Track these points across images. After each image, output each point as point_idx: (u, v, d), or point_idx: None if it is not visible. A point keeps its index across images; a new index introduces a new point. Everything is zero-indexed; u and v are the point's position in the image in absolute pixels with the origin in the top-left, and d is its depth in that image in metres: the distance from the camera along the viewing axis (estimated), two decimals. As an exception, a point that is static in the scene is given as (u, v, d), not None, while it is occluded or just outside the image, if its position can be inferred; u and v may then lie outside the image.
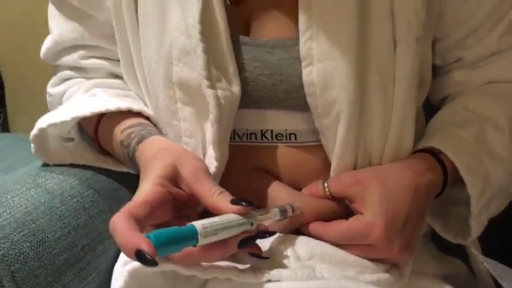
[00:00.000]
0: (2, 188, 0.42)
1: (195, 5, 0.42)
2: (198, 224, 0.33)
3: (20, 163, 1.10)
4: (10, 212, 0.39)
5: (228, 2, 0.44)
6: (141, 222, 0.33)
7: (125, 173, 0.51)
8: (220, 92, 0.41)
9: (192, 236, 0.32)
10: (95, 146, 0.52)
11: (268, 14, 0.44)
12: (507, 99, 0.49)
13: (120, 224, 0.32)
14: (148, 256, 0.29)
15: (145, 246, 0.29)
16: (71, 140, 0.53)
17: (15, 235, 0.38)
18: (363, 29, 0.41)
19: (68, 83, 0.55)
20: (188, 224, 0.33)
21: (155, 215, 0.35)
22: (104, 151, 0.52)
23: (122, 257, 0.45)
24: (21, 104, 1.38)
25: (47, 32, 0.55)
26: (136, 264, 0.37)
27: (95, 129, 0.50)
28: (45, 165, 0.49)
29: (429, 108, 0.55)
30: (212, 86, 0.41)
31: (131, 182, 0.50)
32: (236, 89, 0.43)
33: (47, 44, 0.55)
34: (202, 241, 0.33)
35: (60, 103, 0.55)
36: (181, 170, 0.38)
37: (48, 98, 0.57)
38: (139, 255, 0.29)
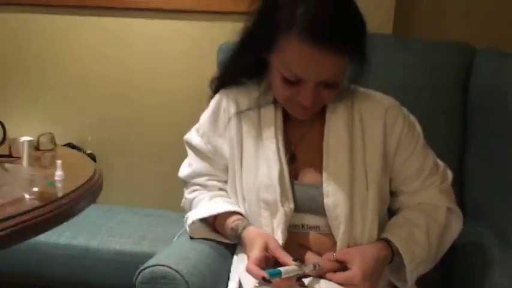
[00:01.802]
0: (191, 252, 0.90)
1: (274, 167, 0.90)
2: (282, 269, 0.79)
3: (112, 229, 1.52)
4: (193, 263, 0.87)
5: (287, 160, 0.93)
6: (258, 267, 0.79)
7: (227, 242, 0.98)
8: (286, 208, 0.89)
9: (279, 274, 0.78)
10: (210, 227, 0.99)
11: (307, 169, 0.93)
12: (426, 212, 0.95)
13: (253, 268, 0.79)
14: (267, 279, 0.75)
15: (266, 276, 0.76)
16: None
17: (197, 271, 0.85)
18: (352, 180, 0.89)
19: (195, 193, 1.02)
20: (277, 268, 0.79)
21: (261, 264, 0.81)
22: (215, 229, 0.99)
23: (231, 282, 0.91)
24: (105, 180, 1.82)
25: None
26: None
27: (213, 219, 0.97)
28: (191, 237, 0.96)
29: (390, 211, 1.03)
30: (282, 206, 0.88)
31: (232, 246, 0.98)
32: (292, 205, 0.90)
33: (186, 171, 1.03)
34: (283, 276, 0.79)
35: (190, 204, 1.02)
36: (268, 245, 0.85)
37: (184, 200, 1.05)
38: (264, 279, 0.76)
